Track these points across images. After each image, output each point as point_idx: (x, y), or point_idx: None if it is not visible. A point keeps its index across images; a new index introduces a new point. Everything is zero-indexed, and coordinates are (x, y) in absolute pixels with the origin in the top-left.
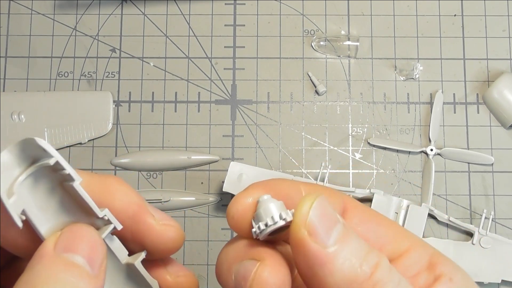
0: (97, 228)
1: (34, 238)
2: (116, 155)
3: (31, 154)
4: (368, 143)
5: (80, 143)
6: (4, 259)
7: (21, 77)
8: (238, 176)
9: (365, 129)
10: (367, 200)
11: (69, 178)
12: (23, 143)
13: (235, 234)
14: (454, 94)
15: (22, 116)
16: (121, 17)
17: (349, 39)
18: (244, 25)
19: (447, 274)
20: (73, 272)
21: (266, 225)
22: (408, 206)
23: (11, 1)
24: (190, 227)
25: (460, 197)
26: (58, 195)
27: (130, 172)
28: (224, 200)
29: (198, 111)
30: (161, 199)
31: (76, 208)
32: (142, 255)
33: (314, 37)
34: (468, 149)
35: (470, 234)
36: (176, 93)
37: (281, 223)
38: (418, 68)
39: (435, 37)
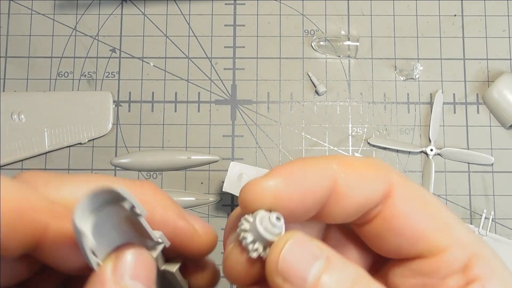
0: (148, 248)
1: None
2: (116, 155)
3: (104, 198)
4: (368, 143)
5: (80, 143)
6: (58, 278)
7: (21, 77)
8: (238, 176)
9: (365, 129)
10: None
11: (136, 213)
12: (99, 191)
13: None
14: (454, 94)
15: (22, 116)
16: (121, 17)
17: (349, 39)
18: (244, 25)
19: (481, 278)
20: None
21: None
22: None
23: (11, 1)
24: None
25: (460, 197)
26: (114, 222)
27: (130, 172)
28: (224, 200)
29: (198, 111)
30: None
31: (130, 230)
32: (179, 264)
33: (314, 37)
34: (468, 149)
35: None
36: (176, 93)
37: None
38: (418, 68)
39: (435, 37)
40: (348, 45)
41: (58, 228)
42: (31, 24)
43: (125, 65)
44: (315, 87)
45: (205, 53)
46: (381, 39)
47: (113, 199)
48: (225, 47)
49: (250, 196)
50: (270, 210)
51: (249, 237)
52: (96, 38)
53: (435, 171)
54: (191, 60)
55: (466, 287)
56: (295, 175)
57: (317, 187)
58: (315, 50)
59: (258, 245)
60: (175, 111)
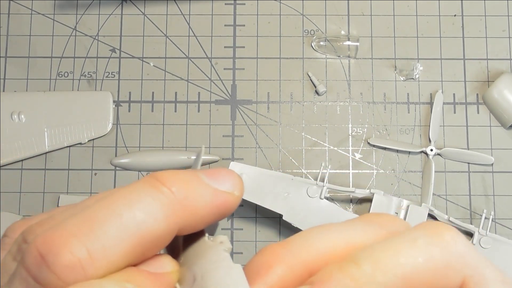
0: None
1: None
2: (116, 155)
3: None
4: (368, 143)
5: (80, 143)
6: None
7: (21, 77)
8: None
9: (365, 129)
10: (367, 200)
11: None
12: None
13: (234, 234)
14: (454, 94)
15: (22, 116)
16: (121, 17)
17: (349, 39)
18: (244, 25)
19: None
20: None
21: None
22: (408, 206)
23: (11, 1)
24: None
25: (460, 197)
26: None
27: (130, 172)
28: None
29: (198, 111)
30: None
31: None
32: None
33: (314, 37)
34: (468, 149)
35: (470, 234)
36: (176, 93)
37: None
38: (418, 68)
39: (435, 37)
40: (348, 45)
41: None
42: (31, 24)
43: (125, 65)
44: (315, 87)
45: (205, 53)
46: (381, 39)
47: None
48: (225, 47)
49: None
50: None
51: None
52: (96, 38)
53: (435, 171)
54: (191, 60)
55: None
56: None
57: None
58: (315, 50)
59: None
60: (175, 111)
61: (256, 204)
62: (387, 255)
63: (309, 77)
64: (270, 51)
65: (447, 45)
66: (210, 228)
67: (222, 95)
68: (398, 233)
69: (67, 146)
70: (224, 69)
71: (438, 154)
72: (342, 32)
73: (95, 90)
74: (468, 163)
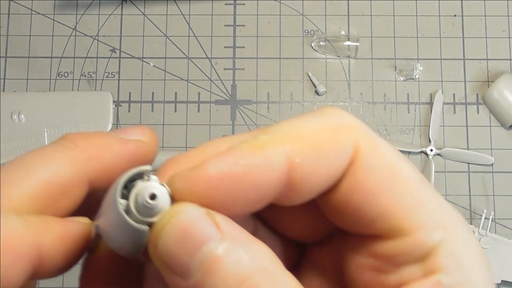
0: None
1: None
2: None
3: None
4: None
5: None
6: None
7: (21, 77)
8: None
9: None
10: None
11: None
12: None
13: None
14: (454, 94)
15: (22, 116)
16: (121, 17)
17: (349, 39)
18: (244, 25)
19: (441, 271)
20: None
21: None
22: None
23: (11, 1)
24: None
25: (460, 197)
26: None
27: None
28: None
29: (198, 111)
30: None
31: None
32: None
33: (314, 37)
34: (468, 149)
35: None
36: (176, 93)
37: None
38: (418, 68)
39: (435, 37)
40: (348, 45)
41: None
42: (31, 24)
43: (125, 65)
44: (315, 87)
45: (205, 53)
46: (381, 39)
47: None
48: (225, 47)
49: (181, 187)
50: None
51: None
52: (96, 38)
53: (435, 171)
54: (191, 60)
55: (420, 279)
56: (235, 178)
57: (265, 188)
58: (315, 50)
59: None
60: (175, 111)
61: None
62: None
63: (309, 77)
64: (270, 51)
65: (447, 45)
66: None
67: (222, 95)
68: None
69: None
70: (224, 69)
71: (438, 154)
72: (342, 32)
73: (95, 90)
74: (468, 163)
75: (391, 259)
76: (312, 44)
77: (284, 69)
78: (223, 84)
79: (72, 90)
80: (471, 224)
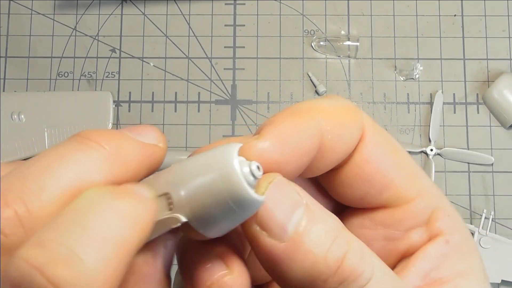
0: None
1: None
2: None
3: None
4: None
5: None
6: None
7: (21, 77)
8: None
9: None
10: None
11: None
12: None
13: None
14: (454, 94)
15: (22, 116)
16: (121, 17)
17: (349, 39)
18: (244, 25)
19: (444, 234)
20: None
21: None
22: None
23: (11, 1)
24: None
25: (460, 197)
26: None
27: None
28: None
29: (198, 111)
30: None
31: None
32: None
33: (314, 37)
34: (468, 149)
35: None
36: (176, 93)
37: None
38: (418, 68)
39: (435, 37)
40: (348, 45)
41: None
42: (31, 24)
43: (125, 65)
44: (315, 87)
45: (205, 53)
46: (381, 39)
47: None
48: (225, 47)
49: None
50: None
51: None
52: (96, 38)
53: (435, 171)
54: (191, 60)
55: (429, 241)
56: (286, 136)
57: (309, 147)
58: (315, 50)
59: None
60: (175, 111)
61: None
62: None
63: (309, 77)
64: (270, 51)
65: (447, 45)
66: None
67: (222, 95)
68: None
69: None
70: (224, 69)
71: (438, 154)
72: (342, 32)
73: (95, 90)
74: (468, 163)
75: (400, 225)
76: (312, 44)
77: (284, 69)
78: (223, 84)
79: (72, 90)
80: (471, 224)
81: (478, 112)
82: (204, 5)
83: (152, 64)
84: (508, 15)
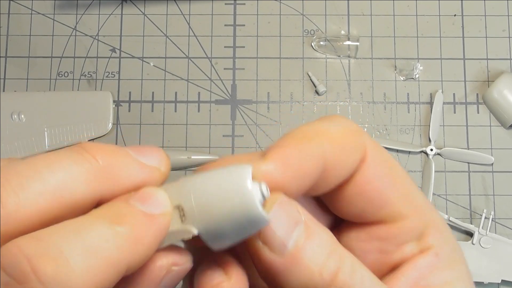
0: None
1: None
2: None
3: None
4: None
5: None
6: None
7: (21, 77)
8: None
9: (365, 129)
10: None
11: None
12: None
13: None
14: (454, 94)
15: (22, 116)
16: (121, 17)
17: (349, 39)
18: (244, 25)
19: (435, 247)
20: None
21: None
22: None
23: (11, 1)
24: None
25: (460, 197)
26: None
27: None
28: None
29: (198, 111)
30: None
31: None
32: None
33: (314, 37)
34: (468, 149)
35: (470, 234)
36: (176, 93)
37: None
38: (418, 68)
39: (435, 37)
40: (348, 45)
41: None
42: (31, 24)
43: (125, 65)
44: (315, 87)
45: (205, 53)
46: (381, 39)
47: None
48: (225, 47)
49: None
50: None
51: None
52: (96, 38)
53: (435, 171)
54: (191, 60)
55: (420, 254)
56: (290, 159)
57: (311, 171)
58: (315, 50)
59: None
60: (175, 111)
61: None
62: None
63: (309, 77)
64: (270, 51)
65: (447, 45)
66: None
67: (222, 95)
68: None
69: (67, 146)
70: (224, 69)
71: (438, 154)
72: (342, 32)
73: (95, 90)
74: (468, 163)
75: (394, 240)
76: (312, 44)
77: (284, 69)
78: (223, 84)
79: (72, 90)
80: (471, 224)
81: (478, 112)
82: (204, 5)
83: (152, 64)
84: (508, 15)
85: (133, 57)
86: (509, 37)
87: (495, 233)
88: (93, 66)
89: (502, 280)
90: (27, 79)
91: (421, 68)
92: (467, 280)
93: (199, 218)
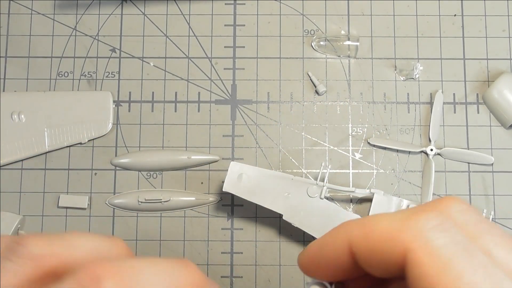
0: None
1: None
2: (116, 155)
3: None
4: (368, 143)
5: (80, 143)
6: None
7: (21, 77)
8: (238, 176)
9: (365, 129)
10: (367, 200)
11: None
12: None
13: (234, 234)
14: (454, 94)
15: (22, 116)
16: (121, 17)
17: (349, 39)
18: (244, 25)
19: None
20: None
21: None
22: (408, 206)
23: (11, 1)
24: (190, 227)
25: (460, 197)
26: None
27: (130, 172)
28: (224, 200)
29: (198, 111)
30: (161, 199)
31: None
32: None
33: (314, 37)
34: (468, 149)
35: None
36: (176, 93)
37: None
38: (418, 68)
39: (435, 37)
40: (348, 45)
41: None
42: (31, 24)
43: (125, 65)
44: (315, 87)
45: (205, 53)
46: (381, 39)
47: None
48: (225, 47)
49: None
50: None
51: None
52: (96, 38)
53: (435, 171)
54: (191, 60)
55: None
56: (315, 258)
57: (336, 261)
58: (315, 50)
59: None
60: (175, 111)
61: (256, 204)
62: None
63: (309, 77)
64: (270, 51)
65: (447, 45)
66: None
67: (222, 95)
68: None
69: (67, 146)
70: (224, 69)
71: (438, 154)
72: (342, 32)
73: (95, 90)
74: (468, 163)
75: None
76: (312, 44)
77: (284, 69)
78: (223, 83)
79: (72, 90)
80: None
81: (478, 112)
82: (204, 5)
83: (152, 64)
84: (508, 15)
85: (133, 57)
86: (509, 37)
87: None
88: (93, 66)
89: None
90: (27, 79)
91: (421, 68)
92: None
93: None
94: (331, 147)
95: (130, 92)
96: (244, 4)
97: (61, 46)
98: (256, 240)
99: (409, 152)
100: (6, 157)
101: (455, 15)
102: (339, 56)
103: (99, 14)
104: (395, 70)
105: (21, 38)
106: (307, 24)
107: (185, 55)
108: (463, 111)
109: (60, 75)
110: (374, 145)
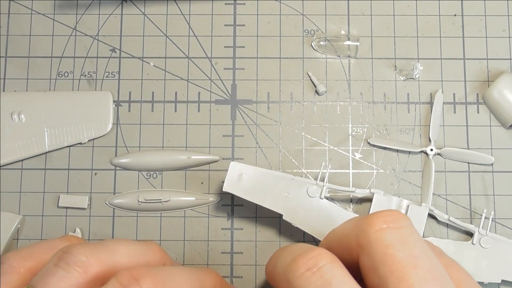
0: None
1: None
2: (116, 155)
3: None
4: (368, 143)
5: (80, 143)
6: None
7: (21, 77)
8: (238, 176)
9: (365, 129)
10: (367, 200)
11: None
12: None
13: (234, 234)
14: (454, 94)
15: (22, 116)
16: (121, 17)
17: (349, 39)
18: (244, 25)
19: None
20: None
21: None
22: (408, 206)
23: (11, 1)
24: (190, 227)
25: (460, 197)
26: None
27: (130, 172)
28: (224, 200)
29: (198, 111)
30: (161, 199)
31: None
32: None
33: (314, 37)
34: (468, 149)
35: (470, 234)
36: (176, 93)
37: None
38: (418, 68)
39: (435, 37)
40: (348, 45)
41: None
42: (31, 24)
43: (125, 65)
44: (315, 87)
45: (205, 53)
46: (381, 39)
47: None
48: (225, 47)
49: None
50: None
51: None
52: (96, 38)
53: (435, 171)
54: (191, 60)
55: None
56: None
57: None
58: (315, 50)
59: None
60: (175, 111)
61: (256, 204)
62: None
63: (309, 77)
64: (270, 51)
65: (447, 45)
66: None
67: (222, 95)
68: None
69: (67, 146)
70: (224, 69)
71: (438, 154)
72: (342, 32)
73: (95, 90)
74: (468, 163)
75: None
76: (312, 44)
77: (284, 69)
78: (223, 83)
79: (72, 90)
80: (471, 224)
81: (478, 112)
82: (204, 5)
83: (152, 64)
84: (508, 15)
85: (133, 57)
86: (509, 37)
87: (495, 233)
88: (93, 66)
89: (502, 280)
90: (27, 79)
91: (421, 68)
92: None
93: None
94: (331, 147)
95: (130, 92)
96: (244, 4)
97: (61, 46)
98: (256, 240)
99: (409, 152)
100: (6, 157)
101: (455, 15)
102: (339, 56)
103: (99, 14)
104: (395, 70)
105: (21, 38)
106: (307, 24)
107: (185, 55)
108: (463, 111)
109: (60, 75)
110: (374, 145)
